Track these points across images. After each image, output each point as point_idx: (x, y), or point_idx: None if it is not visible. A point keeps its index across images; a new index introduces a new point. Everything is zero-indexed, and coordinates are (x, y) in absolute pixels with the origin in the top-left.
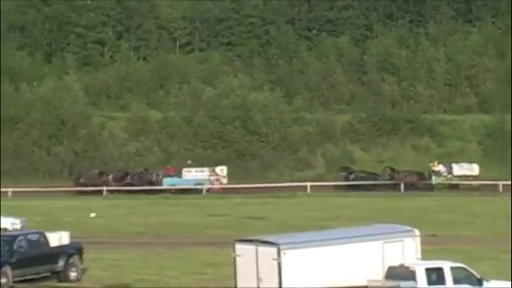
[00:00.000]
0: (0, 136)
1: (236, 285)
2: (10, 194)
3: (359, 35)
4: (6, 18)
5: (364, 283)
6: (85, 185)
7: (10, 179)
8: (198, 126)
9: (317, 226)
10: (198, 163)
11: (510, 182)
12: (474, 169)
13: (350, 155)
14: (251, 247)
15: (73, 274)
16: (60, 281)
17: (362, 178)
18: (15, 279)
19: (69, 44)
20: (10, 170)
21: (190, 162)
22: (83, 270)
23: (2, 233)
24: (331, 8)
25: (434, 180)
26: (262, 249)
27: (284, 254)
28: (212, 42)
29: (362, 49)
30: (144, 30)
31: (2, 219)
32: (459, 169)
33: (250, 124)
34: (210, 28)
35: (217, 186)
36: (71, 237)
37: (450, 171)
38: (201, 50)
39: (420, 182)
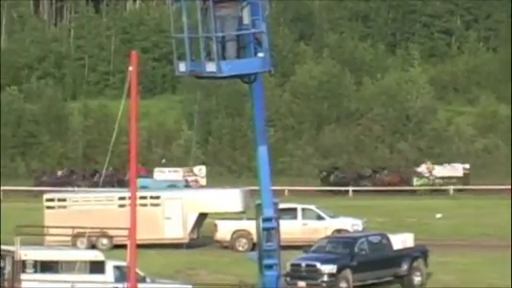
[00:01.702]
0: None
1: None
2: (350, 192)
3: None
4: (347, 7)
5: None
6: (47, 184)
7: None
8: None
9: None
10: None
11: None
12: (457, 170)
13: None
14: None
15: (417, 279)
16: (403, 286)
17: (342, 179)
18: (355, 283)
19: (414, 34)
20: (351, 167)
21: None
22: (428, 275)
23: (343, 234)
24: None
25: (416, 182)
26: None
27: None
28: None
29: None
30: (494, 20)
31: (343, 220)
32: (441, 169)
33: None
34: None
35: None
36: (415, 239)
37: (431, 172)
38: None
39: (402, 185)
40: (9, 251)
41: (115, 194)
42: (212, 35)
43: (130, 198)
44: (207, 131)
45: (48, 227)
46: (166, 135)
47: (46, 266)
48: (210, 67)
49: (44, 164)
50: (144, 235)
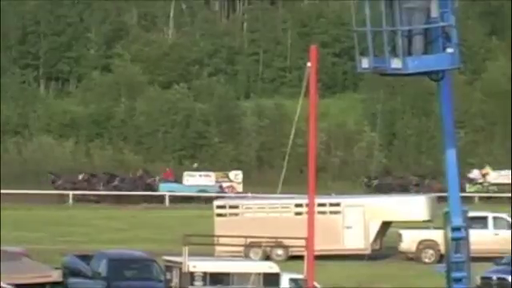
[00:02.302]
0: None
1: None
2: None
3: None
4: None
5: None
6: (64, 188)
7: None
8: None
9: None
10: None
11: None
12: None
13: None
14: None
15: None
16: None
17: (388, 185)
18: None
19: None
20: None
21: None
22: None
23: None
24: None
25: (468, 188)
26: None
27: None
28: None
29: None
30: None
31: None
32: (497, 176)
33: None
34: None
35: None
36: None
37: (485, 178)
38: None
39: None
40: (176, 262)
41: (291, 200)
42: (397, 29)
43: (307, 205)
44: (391, 133)
45: (218, 236)
46: (346, 137)
47: (217, 279)
48: (395, 63)
49: (214, 167)
50: (322, 245)
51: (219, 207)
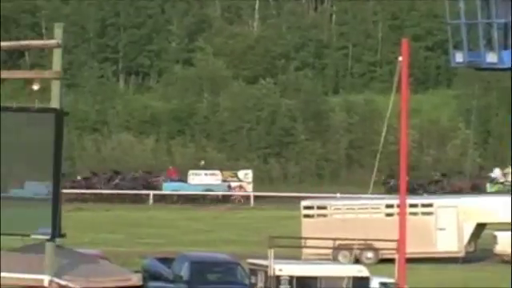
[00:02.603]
0: None
1: None
2: None
3: None
4: None
5: None
6: (65, 187)
7: None
8: None
9: None
10: None
11: None
12: None
13: None
14: None
15: None
16: None
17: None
18: None
19: None
20: None
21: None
22: None
23: None
24: None
25: (489, 188)
26: None
27: None
28: None
29: None
30: None
31: None
32: None
33: None
34: None
35: None
36: None
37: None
38: None
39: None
40: (261, 265)
41: (382, 201)
42: (493, 21)
43: (398, 205)
44: (486, 130)
45: (306, 238)
46: (439, 134)
47: (304, 283)
48: (491, 57)
49: (300, 167)
50: (414, 248)
51: (306, 208)
